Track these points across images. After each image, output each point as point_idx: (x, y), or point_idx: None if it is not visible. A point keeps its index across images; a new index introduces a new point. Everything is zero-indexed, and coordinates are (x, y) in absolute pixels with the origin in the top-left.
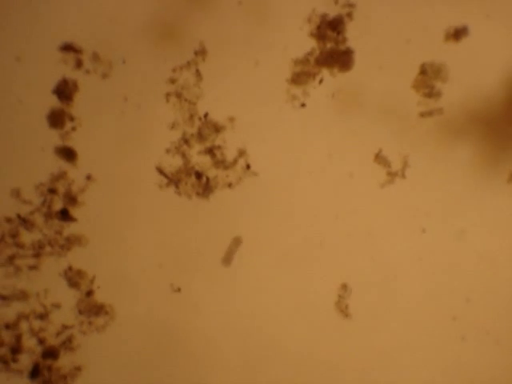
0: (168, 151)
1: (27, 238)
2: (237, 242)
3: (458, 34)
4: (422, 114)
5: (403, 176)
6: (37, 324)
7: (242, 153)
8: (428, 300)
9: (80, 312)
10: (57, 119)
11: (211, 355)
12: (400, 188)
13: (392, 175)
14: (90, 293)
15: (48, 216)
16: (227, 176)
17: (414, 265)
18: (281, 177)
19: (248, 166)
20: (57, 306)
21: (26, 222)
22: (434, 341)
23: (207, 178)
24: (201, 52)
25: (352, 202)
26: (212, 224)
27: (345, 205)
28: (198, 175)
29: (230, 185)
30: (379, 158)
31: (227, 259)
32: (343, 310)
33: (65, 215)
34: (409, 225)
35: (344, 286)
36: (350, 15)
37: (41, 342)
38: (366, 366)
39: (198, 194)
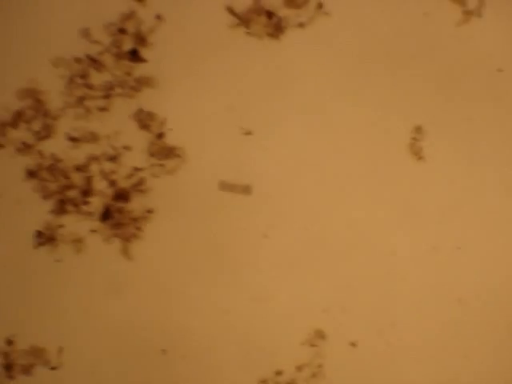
0: None
1: (97, 78)
2: None
3: None
4: None
5: (479, 15)
6: (107, 166)
7: None
8: None
9: (151, 154)
10: None
11: None
12: (476, 28)
13: (468, 14)
14: (160, 135)
15: (118, 56)
16: (298, 15)
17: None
18: (355, 17)
19: (320, 5)
20: (127, 148)
21: (95, 62)
22: None
23: (278, 18)
24: None
25: (427, 42)
26: (283, 66)
27: (420, 45)
28: (269, 15)
29: (301, 25)
30: None
31: None
32: (417, 153)
33: (135, 56)
34: (485, 67)
35: (418, 129)
36: None
37: (112, 184)
38: (440, 208)
39: (268, 34)
